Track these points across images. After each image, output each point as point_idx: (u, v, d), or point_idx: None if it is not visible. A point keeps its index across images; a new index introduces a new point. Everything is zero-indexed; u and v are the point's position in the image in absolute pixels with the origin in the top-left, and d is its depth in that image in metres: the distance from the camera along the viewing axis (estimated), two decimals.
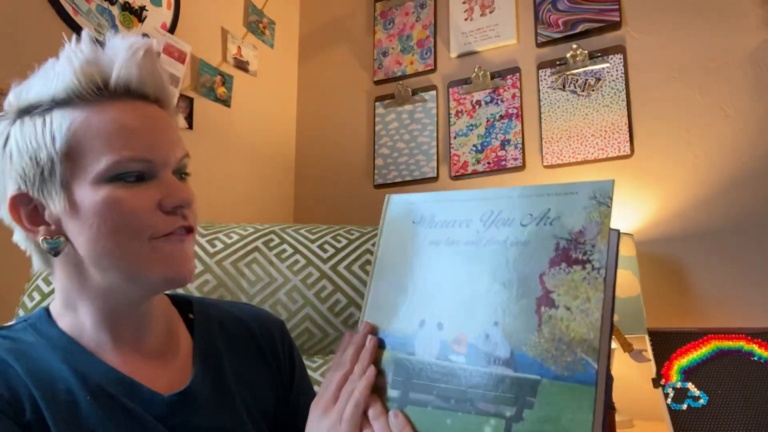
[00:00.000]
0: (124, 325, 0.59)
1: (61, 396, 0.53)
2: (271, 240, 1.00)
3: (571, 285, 0.48)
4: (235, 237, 1.00)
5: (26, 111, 0.56)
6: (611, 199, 0.49)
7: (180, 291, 0.91)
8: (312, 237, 1.02)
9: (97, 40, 0.58)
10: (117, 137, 0.54)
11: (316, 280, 0.97)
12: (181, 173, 0.60)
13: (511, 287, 0.51)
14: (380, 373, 0.54)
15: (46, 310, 0.61)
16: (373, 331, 0.56)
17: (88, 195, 0.54)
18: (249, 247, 0.99)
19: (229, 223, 1.10)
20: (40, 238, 0.56)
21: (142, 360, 0.60)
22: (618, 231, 0.51)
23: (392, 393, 0.53)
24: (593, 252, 0.48)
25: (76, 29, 1.52)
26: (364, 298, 0.58)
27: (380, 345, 0.55)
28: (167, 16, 1.82)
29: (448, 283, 0.54)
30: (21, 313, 0.90)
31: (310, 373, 0.92)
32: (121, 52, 0.56)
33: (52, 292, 0.90)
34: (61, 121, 0.54)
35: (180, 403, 0.59)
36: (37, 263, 0.60)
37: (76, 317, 0.59)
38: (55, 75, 0.56)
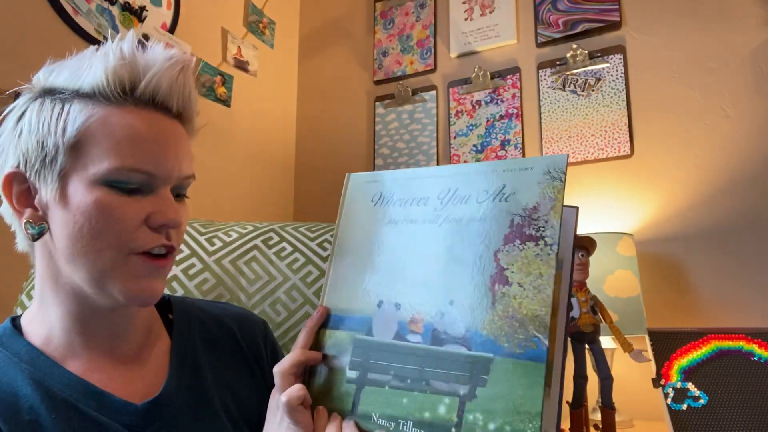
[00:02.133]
0: (97, 329, 0.58)
1: (24, 416, 0.51)
2: (271, 238, 1.00)
3: (524, 261, 0.48)
4: (234, 235, 1.00)
5: (49, 92, 0.56)
6: (564, 173, 0.48)
7: (179, 290, 0.91)
8: (311, 235, 1.02)
9: (141, 42, 0.57)
10: (127, 143, 0.53)
11: (316, 278, 0.96)
12: (179, 192, 0.58)
13: (466, 265, 0.50)
14: (340, 355, 0.54)
15: (12, 321, 0.60)
16: (328, 313, 0.57)
17: (81, 192, 0.53)
18: (248, 246, 0.98)
19: (228, 221, 1.10)
20: (24, 221, 0.55)
21: (115, 365, 0.59)
22: (576, 208, 0.50)
23: (351, 374, 0.53)
24: (546, 228, 0.48)
25: (76, 29, 1.52)
26: (324, 279, 0.57)
27: (339, 326, 0.55)
28: (167, 16, 1.82)
29: (407, 262, 0.53)
30: (19, 312, 0.90)
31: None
32: (158, 62, 0.55)
33: None
34: (77, 114, 0.53)
35: (154, 411, 0.57)
36: (20, 243, 0.60)
37: (46, 317, 0.58)
38: (88, 67, 0.55)
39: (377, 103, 2.16)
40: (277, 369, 0.53)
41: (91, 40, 1.56)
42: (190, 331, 0.67)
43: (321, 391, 0.54)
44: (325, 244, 1.01)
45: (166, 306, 0.69)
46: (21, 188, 0.55)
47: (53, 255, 0.56)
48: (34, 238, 0.55)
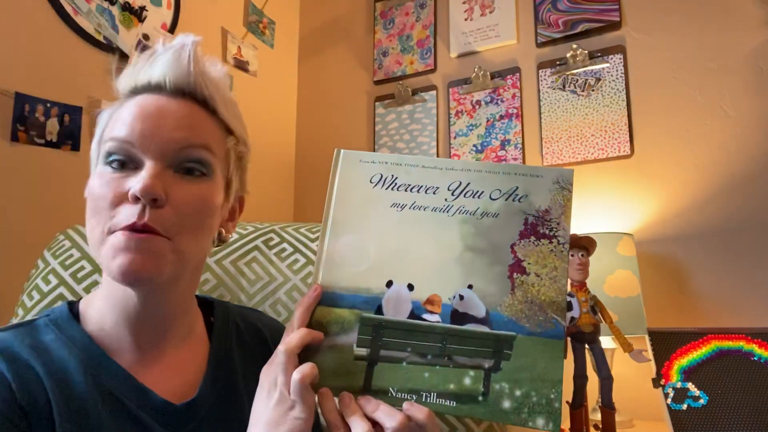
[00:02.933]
0: (141, 323, 0.59)
1: (75, 402, 0.53)
2: (271, 239, 1.00)
3: (540, 255, 0.55)
4: (235, 236, 1.00)
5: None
6: (572, 185, 0.57)
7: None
8: (312, 236, 1.02)
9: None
10: (119, 126, 0.56)
11: None
12: (187, 168, 0.56)
13: (483, 254, 0.56)
14: (342, 333, 0.55)
15: (70, 306, 0.61)
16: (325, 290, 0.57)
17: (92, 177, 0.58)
18: (248, 246, 0.99)
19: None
20: None
21: (158, 362, 0.60)
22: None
23: (360, 351, 0.55)
24: (558, 229, 0.56)
25: (76, 29, 1.52)
26: (317, 257, 0.58)
27: (338, 304, 0.56)
28: (167, 16, 1.82)
29: (416, 246, 0.57)
30: (20, 312, 0.90)
31: None
32: (162, 53, 0.60)
33: (51, 291, 0.90)
34: (103, 116, 0.60)
35: (189, 412, 0.59)
36: None
37: (100, 306, 0.60)
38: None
39: (377, 103, 2.17)
40: (284, 348, 0.52)
41: (91, 40, 1.56)
42: (227, 335, 0.68)
43: (323, 369, 0.54)
44: None
45: (208, 308, 0.71)
46: None
47: None
48: None
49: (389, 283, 0.56)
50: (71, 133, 1.45)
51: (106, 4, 1.62)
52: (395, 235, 0.57)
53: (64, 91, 1.46)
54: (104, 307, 0.59)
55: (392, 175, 0.59)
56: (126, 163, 0.55)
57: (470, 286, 0.55)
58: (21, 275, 1.16)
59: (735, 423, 1.00)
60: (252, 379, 0.65)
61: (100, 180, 0.55)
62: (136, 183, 0.52)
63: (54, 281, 0.90)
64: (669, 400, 1.04)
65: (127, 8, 1.68)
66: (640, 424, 1.44)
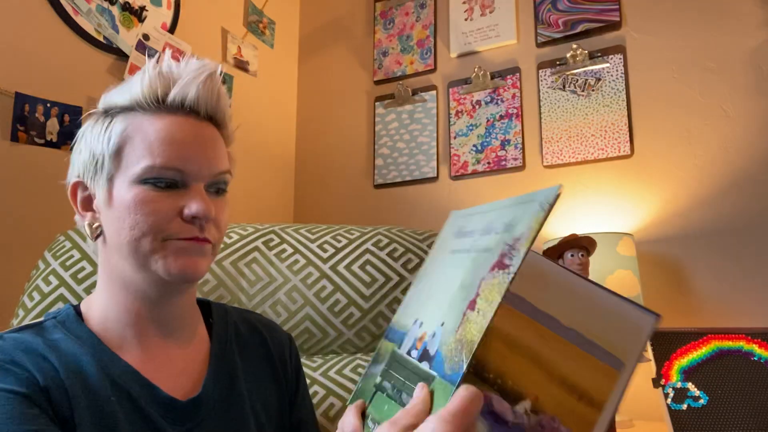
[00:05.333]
0: (147, 323, 0.63)
1: (90, 393, 0.56)
2: (271, 240, 1.00)
3: (490, 288, 0.49)
4: (235, 237, 1.00)
5: (105, 113, 0.64)
6: (551, 205, 0.49)
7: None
8: (312, 237, 1.02)
9: (179, 58, 0.65)
10: (158, 145, 0.59)
11: (316, 280, 0.97)
12: (217, 188, 0.64)
13: (463, 290, 0.54)
14: (379, 362, 0.59)
15: (75, 309, 0.65)
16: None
17: (123, 192, 0.60)
18: (249, 247, 0.99)
19: (229, 223, 1.10)
20: (86, 223, 0.63)
21: (164, 359, 0.63)
22: (654, 316, 0.53)
23: (377, 379, 0.57)
24: (514, 257, 0.48)
25: (76, 29, 1.52)
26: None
27: (388, 337, 0.60)
28: (167, 16, 1.82)
29: (437, 286, 0.58)
30: (21, 313, 0.90)
31: (309, 372, 0.92)
32: (188, 72, 0.63)
33: (52, 292, 0.90)
34: (119, 125, 0.61)
35: (193, 408, 0.61)
36: (91, 244, 0.66)
37: (104, 308, 0.63)
38: (131, 85, 0.63)
39: (377, 103, 2.17)
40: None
41: (91, 40, 1.56)
42: (227, 334, 0.71)
43: (362, 393, 0.59)
44: (325, 246, 1.01)
45: (206, 310, 0.73)
46: (83, 195, 0.63)
47: (108, 251, 0.63)
48: (93, 237, 0.63)
49: (414, 321, 0.58)
50: (71, 133, 1.45)
51: (106, 4, 1.62)
52: (435, 277, 0.59)
53: (64, 91, 1.46)
54: (107, 309, 0.63)
55: (462, 225, 0.61)
56: (171, 185, 0.60)
57: (443, 324, 0.53)
58: (22, 276, 1.16)
59: (735, 423, 1.00)
60: (252, 377, 0.69)
61: (147, 197, 0.59)
62: (194, 205, 0.60)
63: (54, 282, 0.90)
64: (669, 400, 1.04)
65: (127, 8, 1.68)
66: (640, 424, 1.44)
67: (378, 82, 2.19)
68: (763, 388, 1.01)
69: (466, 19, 2.04)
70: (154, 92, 0.61)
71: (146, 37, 1.73)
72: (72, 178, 0.64)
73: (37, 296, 0.90)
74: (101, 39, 1.59)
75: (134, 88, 0.62)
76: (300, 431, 0.73)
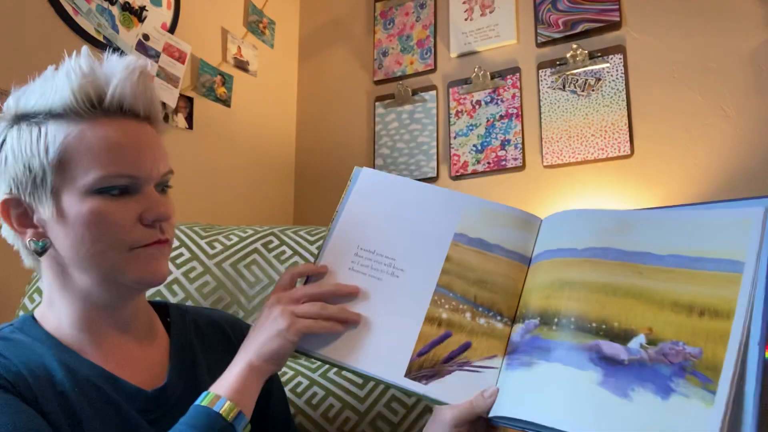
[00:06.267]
0: (102, 326, 0.62)
1: (53, 387, 0.56)
2: (271, 242, 1.01)
3: None
4: (235, 239, 1.00)
5: (23, 118, 0.59)
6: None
7: (179, 293, 0.91)
8: (311, 239, 1.02)
9: (95, 56, 0.62)
10: (105, 153, 0.57)
11: None
12: (163, 188, 0.63)
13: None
14: None
15: (31, 316, 0.64)
16: None
17: (75, 205, 0.57)
18: (248, 249, 0.99)
19: (228, 224, 1.10)
20: (27, 240, 0.60)
21: (122, 357, 0.63)
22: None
23: None
24: None
25: (76, 29, 1.53)
26: None
27: None
28: (167, 16, 1.82)
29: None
30: (21, 315, 0.90)
31: (308, 373, 0.92)
32: (117, 72, 0.59)
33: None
34: (55, 134, 0.57)
35: (161, 397, 0.62)
36: (26, 260, 0.64)
37: (57, 317, 0.62)
38: (53, 88, 0.59)
39: (377, 103, 2.17)
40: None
41: (91, 40, 1.56)
42: (186, 329, 0.72)
43: None
44: None
45: (164, 310, 0.74)
46: (18, 211, 0.59)
47: (61, 264, 0.60)
48: (39, 253, 0.60)
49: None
50: None
51: (106, 4, 1.62)
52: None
53: None
54: (61, 317, 0.62)
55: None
56: (124, 192, 0.59)
57: None
58: (22, 277, 1.16)
59: None
60: (215, 367, 0.69)
61: (104, 208, 0.57)
62: (155, 209, 0.59)
63: None
64: None
65: (127, 8, 1.68)
66: None
67: (378, 82, 2.19)
68: (763, 388, 1.01)
69: (466, 19, 2.04)
70: (87, 96, 0.58)
71: (146, 37, 1.73)
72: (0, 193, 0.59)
73: (37, 298, 0.90)
74: (101, 39, 1.60)
75: (61, 92, 0.58)
76: (270, 420, 0.74)
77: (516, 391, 0.56)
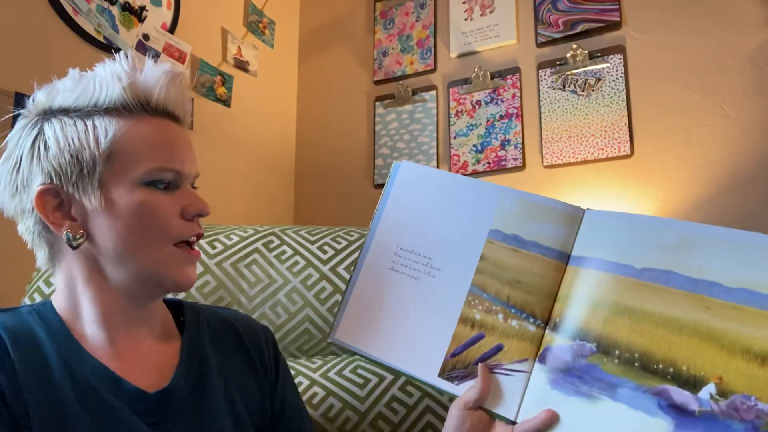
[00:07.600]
0: (122, 324, 0.63)
1: (48, 388, 0.55)
2: (271, 241, 1.01)
3: None
4: (235, 238, 1.00)
5: (62, 112, 0.60)
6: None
7: (180, 293, 0.91)
8: (312, 238, 1.02)
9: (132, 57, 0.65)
10: (155, 147, 0.61)
11: (316, 281, 0.97)
12: (193, 187, 0.67)
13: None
14: None
15: (50, 302, 0.64)
16: None
17: (124, 195, 0.59)
18: (249, 249, 0.99)
19: (228, 224, 1.10)
20: (64, 231, 0.59)
21: (133, 356, 0.63)
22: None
23: None
24: None
25: (76, 29, 1.52)
26: None
27: None
28: (167, 16, 1.82)
29: None
30: (40, 300, 0.90)
31: (309, 373, 0.92)
32: (161, 76, 0.63)
33: (52, 293, 0.90)
34: (106, 127, 0.59)
35: (163, 399, 0.61)
36: (41, 259, 0.63)
37: (74, 311, 0.62)
38: (99, 85, 0.61)
39: (377, 103, 2.17)
40: None
41: (91, 40, 1.56)
42: (199, 330, 0.72)
43: None
44: (325, 247, 1.01)
45: (178, 309, 0.74)
46: (55, 202, 0.59)
47: (94, 258, 0.61)
48: (75, 246, 0.59)
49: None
50: None
51: (106, 4, 1.62)
52: None
53: None
54: (80, 308, 0.62)
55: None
56: (168, 186, 0.62)
57: None
58: (23, 277, 1.16)
59: None
60: (227, 368, 0.70)
61: (153, 199, 0.60)
62: (197, 204, 0.64)
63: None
64: None
65: (127, 8, 1.68)
66: None
67: (378, 82, 2.19)
68: None
69: (466, 19, 2.04)
70: (137, 95, 0.61)
71: (146, 37, 1.73)
72: (32, 185, 0.59)
73: (38, 297, 0.90)
74: (101, 39, 1.59)
75: (110, 89, 0.60)
76: (283, 422, 0.74)
77: (577, 422, 0.54)
